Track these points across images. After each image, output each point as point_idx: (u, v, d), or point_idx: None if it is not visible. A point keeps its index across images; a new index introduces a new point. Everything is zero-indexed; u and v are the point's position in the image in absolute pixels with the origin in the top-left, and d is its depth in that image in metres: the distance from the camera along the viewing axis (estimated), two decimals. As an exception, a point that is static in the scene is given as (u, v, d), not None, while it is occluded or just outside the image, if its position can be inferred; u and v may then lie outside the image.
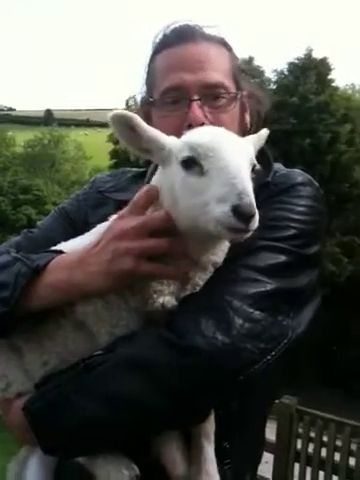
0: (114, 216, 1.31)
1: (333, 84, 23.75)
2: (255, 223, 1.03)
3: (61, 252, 1.31)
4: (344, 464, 5.30)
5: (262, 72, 22.48)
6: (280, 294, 1.22)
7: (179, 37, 1.48)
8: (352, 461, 5.30)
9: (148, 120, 1.46)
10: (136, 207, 1.21)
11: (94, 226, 1.37)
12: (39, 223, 1.68)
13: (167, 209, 1.17)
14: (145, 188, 1.23)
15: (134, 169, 1.76)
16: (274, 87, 22.99)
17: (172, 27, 1.53)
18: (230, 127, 1.31)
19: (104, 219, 1.35)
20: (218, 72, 1.46)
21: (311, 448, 5.58)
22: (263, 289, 1.19)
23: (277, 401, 5.73)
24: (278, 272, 1.23)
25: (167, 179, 1.17)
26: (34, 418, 1.16)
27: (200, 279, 1.22)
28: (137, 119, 1.15)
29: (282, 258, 1.24)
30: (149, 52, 1.56)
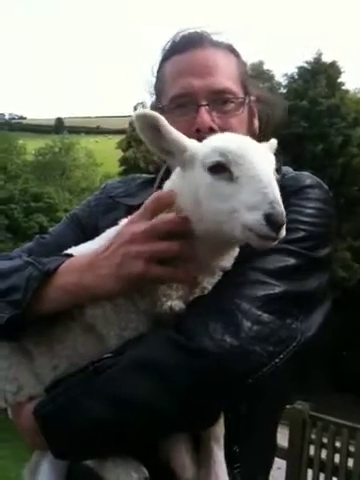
0: (124, 220, 1.32)
1: (343, 87, 23.68)
2: (284, 232, 1.04)
3: (71, 256, 1.33)
4: (357, 470, 5.25)
5: (272, 76, 22.50)
6: (289, 297, 1.21)
7: (187, 43, 1.50)
8: (366, 467, 5.25)
9: None
10: (147, 211, 1.22)
11: (104, 231, 1.38)
12: (51, 229, 1.71)
13: (186, 213, 1.17)
14: (157, 193, 1.24)
15: (144, 175, 1.78)
16: (284, 91, 22.97)
17: (181, 34, 1.55)
18: (239, 132, 1.32)
19: (114, 224, 1.36)
20: (226, 78, 1.47)
21: (324, 454, 5.54)
22: (272, 292, 1.19)
23: (289, 407, 5.71)
24: (287, 275, 1.23)
25: (188, 182, 1.17)
26: (44, 422, 1.16)
27: (208, 283, 1.23)
28: (162, 120, 1.16)
29: (291, 261, 1.24)
30: (158, 59, 1.59)
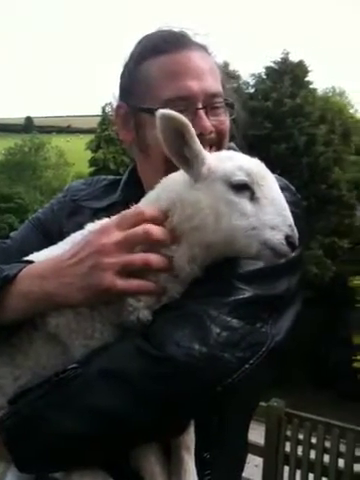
0: (90, 224, 1.29)
1: (311, 86, 24.02)
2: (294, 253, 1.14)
3: (32, 262, 1.28)
4: (333, 466, 5.31)
5: (238, 76, 22.63)
6: (258, 301, 1.20)
7: (174, 44, 1.44)
8: (341, 462, 5.32)
9: (141, 128, 1.44)
10: (123, 223, 1.18)
11: (68, 235, 1.34)
12: (12, 234, 1.65)
13: (183, 222, 1.16)
14: (140, 208, 1.22)
15: (110, 177, 1.74)
16: (253, 91, 23.20)
17: (162, 34, 1.49)
18: (228, 134, 1.40)
19: (79, 228, 1.32)
20: (216, 80, 1.46)
21: (300, 450, 5.59)
22: (241, 297, 1.18)
23: (265, 404, 5.75)
24: (257, 278, 1.22)
25: (201, 196, 1.16)
26: (8, 434, 1.12)
27: (177, 293, 1.20)
28: (190, 127, 1.15)
29: (260, 264, 1.23)
30: (130, 58, 1.52)
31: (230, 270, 1.21)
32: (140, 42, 1.52)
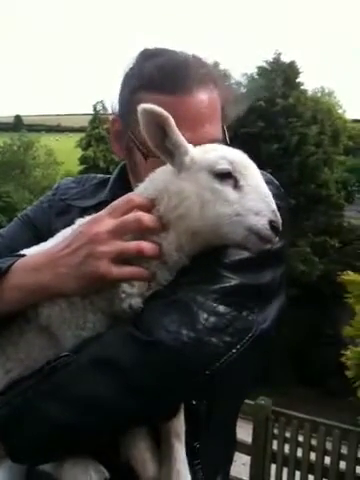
0: (80, 220, 1.30)
1: (302, 87, 24.14)
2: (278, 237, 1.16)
3: (23, 255, 1.29)
4: (319, 463, 5.37)
5: (229, 76, 22.59)
6: (244, 290, 1.22)
7: (172, 84, 1.34)
8: (327, 460, 5.38)
9: (132, 152, 1.42)
10: (116, 212, 1.20)
11: (58, 233, 1.35)
12: (1, 231, 1.64)
13: (170, 213, 1.19)
14: (129, 196, 1.23)
15: (99, 175, 1.74)
16: (245, 91, 23.23)
17: (162, 65, 1.38)
18: None
19: (68, 226, 1.33)
20: (215, 125, 1.40)
21: (287, 448, 5.64)
22: (227, 285, 1.20)
23: (252, 403, 5.79)
24: (243, 268, 1.24)
25: (185, 185, 1.19)
26: (0, 425, 1.14)
27: (165, 280, 1.23)
28: (171, 120, 1.17)
29: (246, 254, 1.25)
30: (127, 78, 1.45)
31: (216, 259, 1.23)
32: (140, 61, 1.44)
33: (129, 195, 1.24)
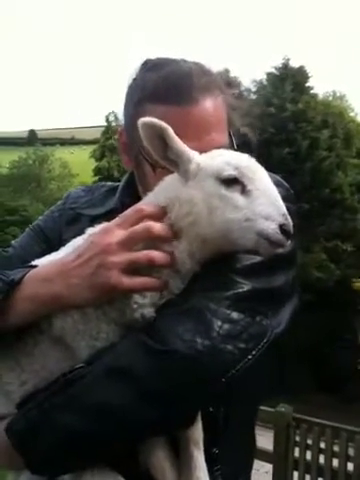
0: (90, 229, 1.31)
1: (312, 91, 24.05)
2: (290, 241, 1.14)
3: (36, 266, 1.30)
4: (342, 470, 5.30)
5: (239, 83, 22.67)
6: (257, 295, 1.22)
7: (177, 95, 1.34)
8: (350, 466, 5.31)
9: (140, 164, 1.42)
10: (126, 222, 1.21)
11: (69, 242, 1.36)
12: (13, 242, 1.65)
13: (181, 222, 1.19)
14: (140, 205, 1.24)
15: (109, 183, 1.74)
16: (254, 97, 23.23)
17: (166, 76, 1.37)
18: None
19: (79, 235, 1.34)
20: (220, 133, 1.39)
21: (309, 455, 5.58)
22: (240, 290, 1.20)
23: (273, 410, 5.75)
24: (254, 273, 1.24)
25: (194, 192, 1.20)
26: (18, 438, 1.14)
27: (177, 289, 1.23)
28: (170, 130, 1.18)
29: (257, 258, 1.25)
30: (131, 90, 1.45)
31: (228, 265, 1.23)
32: (144, 71, 1.44)
33: (139, 205, 1.25)
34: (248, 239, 1.14)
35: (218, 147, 1.35)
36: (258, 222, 1.13)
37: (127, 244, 1.18)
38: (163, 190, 1.28)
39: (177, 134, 1.27)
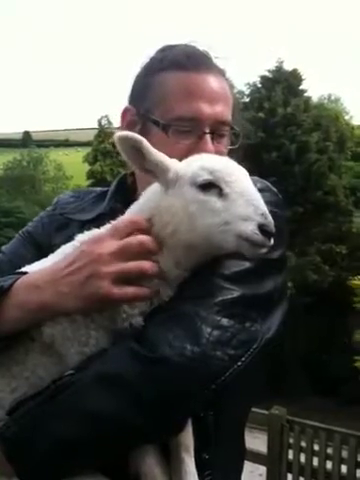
0: (80, 235, 1.31)
1: (306, 94, 24.08)
2: (272, 240, 1.14)
3: (25, 273, 1.30)
4: (336, 472, 5.32)
5: (232, 86, 22.60)
6: (247, 300, 1.23)
7: (195, 63, 1.45)
8: (344, 469, 5.32)
9: (146, 137, 1.41)
10: (118, 233, 1.22)
11: (58, 248, 1.36)
12: (3, 248, 1.65)
13: (164, 231, 1.21)
14: (131, 218, 1.26)
15: (98, 188, 1.76)
16: (248, 100, 23.25)
17: (185, 49, 1.50)
18: None
19: (68, 241, 1.35)
20: (228, 109, 1.48)
21: (303, 458, 5.59)
22: (230, 296, 1.21)
23: (267, 412, 5.75)
24: (243, 278, 1.25)
25: (175, 201, 1.21)
26: (9, 446, 1.14)
27: (167, 296, 1.24)
28: (144, 142, 1.20)
29: (246, 264, 1.26)
30: (148, 64, 1.53)
31: (217, 271, 1.24)
32: (163, 50, 1.53)
33: (132, 218, 1.27)
34: (229, 242, 1.15)
35: (226, 122, 1.47)
36: (237, 224, 1.13)
37: (119, 256, 1.18)
38: (147, 201, 1.30)
39: (196, 97, 1.40)
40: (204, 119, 1.42)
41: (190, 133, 1.43)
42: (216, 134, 1.45)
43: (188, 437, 1.26)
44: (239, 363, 1.16)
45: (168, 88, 1.45)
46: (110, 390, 1.11)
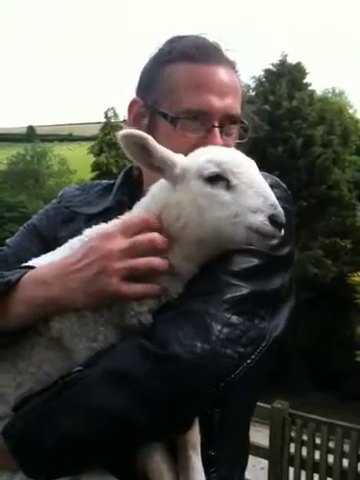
0: (88, 230, 1.31)
1: (310, 88, 23.96)
2: (283, 231, 1.13)
3: (33, 267, 1.29)
4: (338, 466, 5.32)
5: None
6: (255, 297, 1.22)
7: (205, 55, 1.43)
8: (345, 462, 5.33)
9: (154, 129, 1.44)
10: (129, 231, 1.21)
11: (64, 241, 1.36)
12: (8, 241, 1.63)
13: (172, 227, 1.20)
14: (144, 216, 1.25)
15: (104, 181, 1.75)
16: (253, 94, 23.15)
17: (195, 41, 1.48)
18: None
19: (74, 234, 1.34)
20: (238, 102, 1.46)
21: (305, 451, 5.60)
22: (239, 293, 1.20)
23: (269, 406, 5.76)
24: (252, 275, 1.24)
25: (183, 196, 1.20)
26: (15, 441, 1.14)
27: (176, 293, 1.24)
28: (149, 139, 1.19)
29: (255, 261, 1.26)
30: (157, 56, 1.51)
31: (226, 268, 1.23)
32: (171, 42, 1.51)
33: (143, 215, 1.26)
34: (240, 234, 1.13)
35: (235, 116, 1.45)
36: (247, 216, 1.12)
37: (130, 253, 1.18)
38: (154, 197, 1.29)
39: (205, 90, 1.37)
40: (213, 112, 1.40)
41: (199, 126, 1.41)
42: (225, 128, 1.44)
43: (195, 435, 1.26)
44: (248, 361, 1.16)
45: (177, 80, 1.43)
46: (118, 387, 1.10)
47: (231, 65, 1.48)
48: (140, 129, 1.43)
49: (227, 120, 1.44)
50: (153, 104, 1.46)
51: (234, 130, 1.49)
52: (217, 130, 1.41)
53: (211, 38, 1.49)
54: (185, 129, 1.41)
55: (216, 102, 1.39)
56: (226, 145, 1.41)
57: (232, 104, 1.43)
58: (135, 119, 1.51)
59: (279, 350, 1.37)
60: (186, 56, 1.43)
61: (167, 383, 1.10)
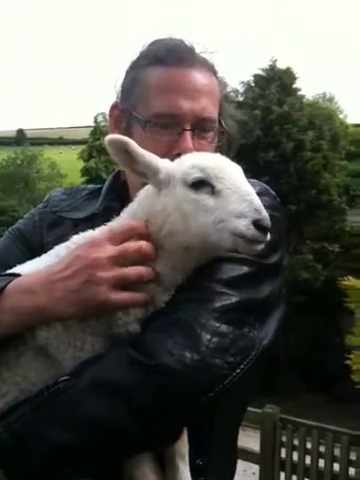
0: (75, 237, 1.29)
1: (299, 93, 24.07)
2: (269, 235, 1.11)
3: (18, 275, 1.26)
4: (328, 470, 5.34)
5: (226, 84, 22.54)
6: (245, 306, 1.21)
7: (178, 59, 1.42)
8: (336, 467, 5.34)
9: (130, 133, 1.43)
10: (116, 238, 1.20)
11: (50, 247, 1.34)
12: None
13: (159, 233, 1.19)
14: (130, 223, 1.23)
15: (90, 186, 1.73)
16: (242, 99, 23.21)
17: (168, 44, 1.47)
18: None
19: (61, 239, 1.33)
20: (212, 104, 1.44)
21: (295, 456, 5.61)
22: (228, 302, 1.19)
23: (260, 411, 5.77)
24: (241, 283, 1.23)
25: (168, 201, 1.19)
26: (1, 452, 1.11)
27: (163, 301, 1.22)
28: (132, 145, 1.18)
29: (244, 269, 1.25)
30: (136, 60, 1.51)
31: (215, 276, 1.22)
32: (151, 45, 1.51)
33: (130, 222, 1.24)
34: (224, 240, 1.12)
35: (209, 119, 1.43)
36: (231, 221, 1.10)
37: (117, 261, 1.16)
38: (141, 203, 1.28)
39: (174, 93, 1.36)
40: (182, 115, 1.39)
41: (169, 130, 1.40)
42: (197, 131, 1.42)
43: (183, 444, 1.25)
44: (238, 370, 1.14)
45: (148, 84, 1.44)
46: (106, 397, 1.09)
47: (208, 67, 1.46)
48: (120, 134, 1.44)
49: (200, 123, 1.42)
50: (129, 108, 1.47)
51: (209, 134, 1.46)
52: (188, 134, 1.40)
53: (188, 40, 1.48)
54: (155, 133, 1.40)
55: (185, 105, 1.38)
56: (200, 149, 1.39)
57: (205, 107, 1.41)
58: (115, 123, 1.52)
59: (270, 354, 1.35)
60: (158, 60, 1.43)
61: (156, 393, 1.08)
